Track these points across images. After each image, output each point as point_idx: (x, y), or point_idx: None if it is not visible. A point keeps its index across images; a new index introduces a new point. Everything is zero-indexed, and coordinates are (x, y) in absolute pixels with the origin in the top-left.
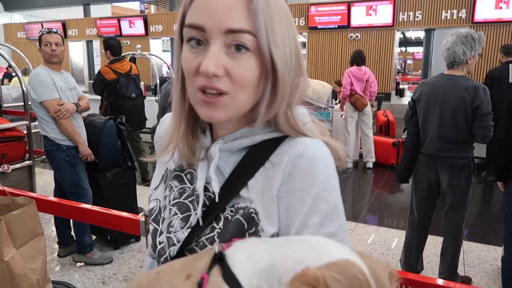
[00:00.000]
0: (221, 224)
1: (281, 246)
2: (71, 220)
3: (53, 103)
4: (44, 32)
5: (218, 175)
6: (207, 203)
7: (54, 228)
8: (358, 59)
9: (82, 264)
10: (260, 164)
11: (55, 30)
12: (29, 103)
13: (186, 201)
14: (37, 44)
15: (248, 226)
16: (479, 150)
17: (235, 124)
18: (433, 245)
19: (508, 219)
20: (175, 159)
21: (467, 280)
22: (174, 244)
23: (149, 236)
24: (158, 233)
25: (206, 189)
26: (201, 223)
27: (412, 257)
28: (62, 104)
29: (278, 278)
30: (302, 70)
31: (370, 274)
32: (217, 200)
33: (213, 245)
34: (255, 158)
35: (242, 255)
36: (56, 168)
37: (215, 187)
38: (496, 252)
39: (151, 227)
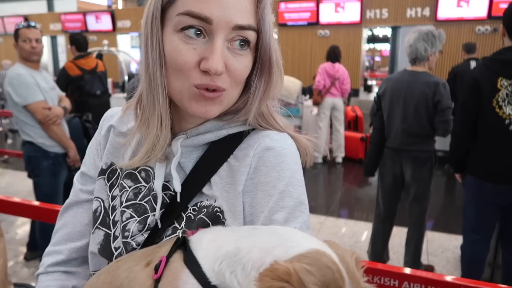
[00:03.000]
0: (183, 223)
1: (247, 234)
2: (36, 228)
3: (39, 106)
4: (22, 27)
5: (179, 172)
6: (167, 202)
7: (18, 231)
8: (332, 55)
9: None
10: (224, 159)
11: (34, 24)
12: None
13: (142, 202)
14: (15, 37)
15: (213, 225)
16: (443, 143)
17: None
18: (399, 236)
19: (466, 209)
20: (127, 156)
21: (430, 269)
22: (134, 248)
23: (94, 241)
24: (112, 238)
25: (165, 187)
26: (159, 225)
27: (378, 247)
28: (50, 109)
29: (242, 265)
30: (280, 66)
31: (340, 262)
32: (178, 199)
33: None
34: (218, 153)
35: (206, 239)
36: (36, 175)
37: (177, 186)
38: (457, 241)
39: (99, 232)
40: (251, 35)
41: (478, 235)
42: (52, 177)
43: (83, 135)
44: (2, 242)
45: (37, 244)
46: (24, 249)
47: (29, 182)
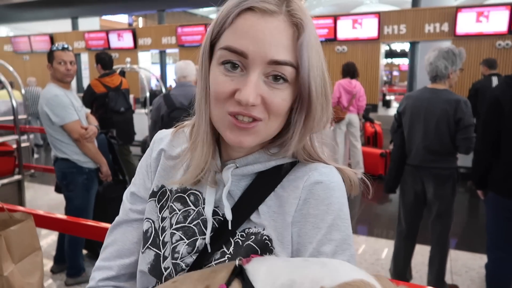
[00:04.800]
0: (231, 249)
1: (300, 265)
2: (66, 242)
3: (76, 125)
4: (57, 49)
5: (228, 198)
6: (216, 227)
7: (42, 243)
8: (350, 72)
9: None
10: (271, 189)
11: (67, 46)
12: (28, 119)
13: (191, 225)
14: (49, 59)
15: (261, 253)
16: (466, 159)
17: (250, 147)
18: (421, 254)
19: (489, 226)
20: (177, 178)
21: None
22: (183, 269)
23: (144, 260)
24: (162, 259)
25: (214, 212)
26: (209, 250)
27: (401, 266)
28: (86, 128)
29: None
30: (328, 99)
31: None
32: (230, 227)
33: None
34: (266, 182)
35: (262, 271)
36: (70, 190)
37: (228, 214)
38: (482, 260)
39: (149, 252)
40: (287, 70)
41: (503, 252)
42: (85, 191)
43: (108, 151)
44: (39, 256)
45: (64, 257)
46: (48, 261)
47: (54, 196)
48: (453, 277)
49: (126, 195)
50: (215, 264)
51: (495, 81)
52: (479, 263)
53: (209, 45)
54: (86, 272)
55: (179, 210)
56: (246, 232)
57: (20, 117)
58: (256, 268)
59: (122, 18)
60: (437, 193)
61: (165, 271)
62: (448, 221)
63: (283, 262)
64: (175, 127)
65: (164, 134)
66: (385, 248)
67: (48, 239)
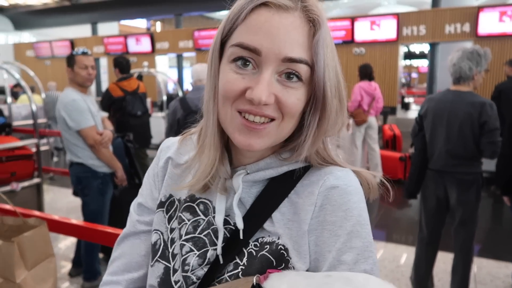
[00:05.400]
0: (245, 260)
1: (322, 283)
2: (82, 246)
3: (91, 131)
4: (79, 53)
5: (240, 207)
6: (228, 237)
7: (60, 246)
8: (368, 74)
9: None
10: (284, 196)
11: (87, 51)
12: (46, 122)
13: (201, 236)
14: (70, 63)
15: (277, 263)
16: (489, 164)
17: (262, 152)
18: (443, 261)
19: None
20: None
21: None
22: (194, 283)
23: (153, 274)
24: (172, 272)
25: (225, 221)
26: (221, 261)
27: (422, 274)
28: (101, 134)
29: None
30: (343, 102)
31: None
32: (241, 237)
33: None
34: (278, 189)
35: None
36: (85, 194)
37: (239, 223)
38: (507, 269)
39: (158, 265)
40: (302, 69)
41: None
42: (100, 195)
43: (124, 154)
44: (52, 262)
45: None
46: (66, 264)
47: (72, 199)
48: (477, 286)
49: (133, 206)
50: (228, 276)
51: None
52: (504, 272)
53: (220, 43)
54: (102, 275)
55: (189, 220)
56: (259, 241)
57: (39, 121)
58: (276, 286)
59: (141, 23)
60: (461, 199)
61: (176, 285)
62: (472, 228)
63: (304, 279)
64: (181, 135)
65: (171, 142)
66: (405, 254)
67: (67, 241)
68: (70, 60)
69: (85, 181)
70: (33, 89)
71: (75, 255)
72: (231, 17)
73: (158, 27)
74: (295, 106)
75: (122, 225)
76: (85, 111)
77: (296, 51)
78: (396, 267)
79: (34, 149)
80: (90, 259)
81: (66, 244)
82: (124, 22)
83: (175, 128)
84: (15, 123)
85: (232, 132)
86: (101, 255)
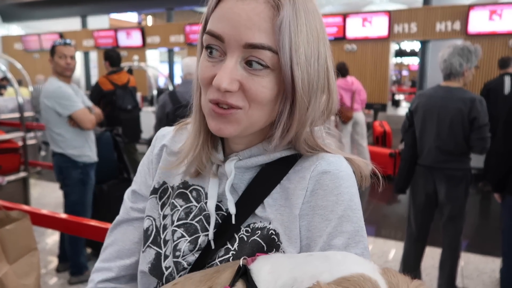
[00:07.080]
0: (236, 245)
1: (302, 262)
2: (66, 240)
3: (84, 113)
4: (59, 44)
5: (232, 193)
6: (220, 222)
7: (48, 241)
8: (343, 70)
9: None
10: (277, 182)
11: (69, 42)
12: (26, 115)
13: (193, 222)
14: (51, 53)
15: (268, 248)
16: (476, 160)
17: (251, 139)
18: (432, 257)
19: (506, 231)
20: (179, 174)
21: None
22: (185, 268)
23: (144, 259)
24: (163, 257)
25: (217, 207)
26: (213, 246)
27: (410, 269)
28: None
29: None
30: (330, 89)
31: None
32: (233, 221)
33: None
34: (271, 174)
35: (266, 270)
36: (66, 185)
37: (231, 208)
38: (494, 264)
39: (150, 250)
40: (266, 55)
41: None
42: (81, 186)
43: (113, 148)
44: (35, 256)
45: (67, 255)
46: (54, 259)
47: (60, 194)
48: (464, 280)
49: (127, 193)
50: (218, 261)
51: (507, 80)
52: (491, 266)
53: (202, 32)
54: (89, 270)
55: (181, 207)
56: (251, 227)
57: (26, 114)
58: (260, 268)
59: (131, 17)
60: (450, 194)
61: (166, 271)
62: (460, 223)
63: (287, 259)
64: (177, 124)
65: (166, 131)
66: (393, 250)
67: (55, 236)
68: (51, 50)
69: (65, 171)
70: (20, 82)
71: (60, 250)
72: (208, 6)
73: (149, 21)
74: (261, 94)
75: (109, 218)
76: (72, 96)
77: (257, 37)
78: (385, 262)
79: (20, 143)
80: (75, 253)
81: (54, 239)
82: (115, 15)
83: (164, 122)
84: (2, 116)
85: (207, 118)
86: (88, 250)
